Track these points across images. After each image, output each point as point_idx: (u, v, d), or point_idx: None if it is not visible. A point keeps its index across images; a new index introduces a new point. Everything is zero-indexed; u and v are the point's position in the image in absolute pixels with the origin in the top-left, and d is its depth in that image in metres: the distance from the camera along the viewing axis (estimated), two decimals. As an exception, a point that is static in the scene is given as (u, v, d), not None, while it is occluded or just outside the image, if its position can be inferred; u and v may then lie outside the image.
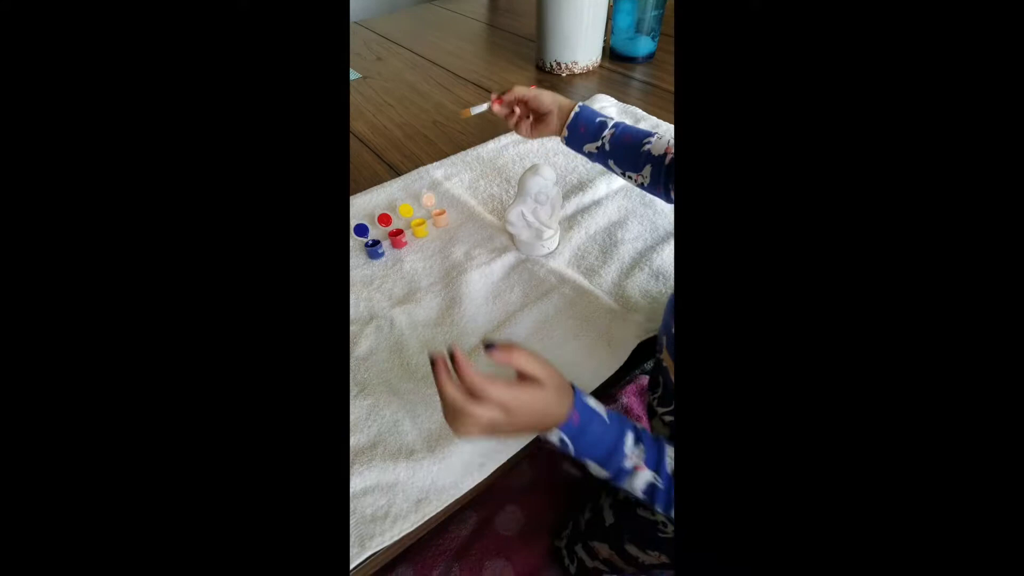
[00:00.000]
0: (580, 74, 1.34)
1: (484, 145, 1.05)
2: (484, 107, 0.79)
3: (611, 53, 1.40)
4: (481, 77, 1.33)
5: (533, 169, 0.75)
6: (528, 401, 0.43)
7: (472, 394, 0.42)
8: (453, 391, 0.43)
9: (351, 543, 0.55)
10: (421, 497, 0.58)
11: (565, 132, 0.75)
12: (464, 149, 1.05)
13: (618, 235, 0.84)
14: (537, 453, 0.62)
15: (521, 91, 0.75)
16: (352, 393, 0.66)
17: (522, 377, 0.44)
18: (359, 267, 0.81)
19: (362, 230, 0.84)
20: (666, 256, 0.80)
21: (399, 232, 0.84)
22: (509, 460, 0.61)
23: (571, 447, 0.46)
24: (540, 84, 1.26)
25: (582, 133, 0.75)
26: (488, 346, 0.44)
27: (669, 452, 0.45)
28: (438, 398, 0.59)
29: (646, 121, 1.10)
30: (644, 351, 0.69)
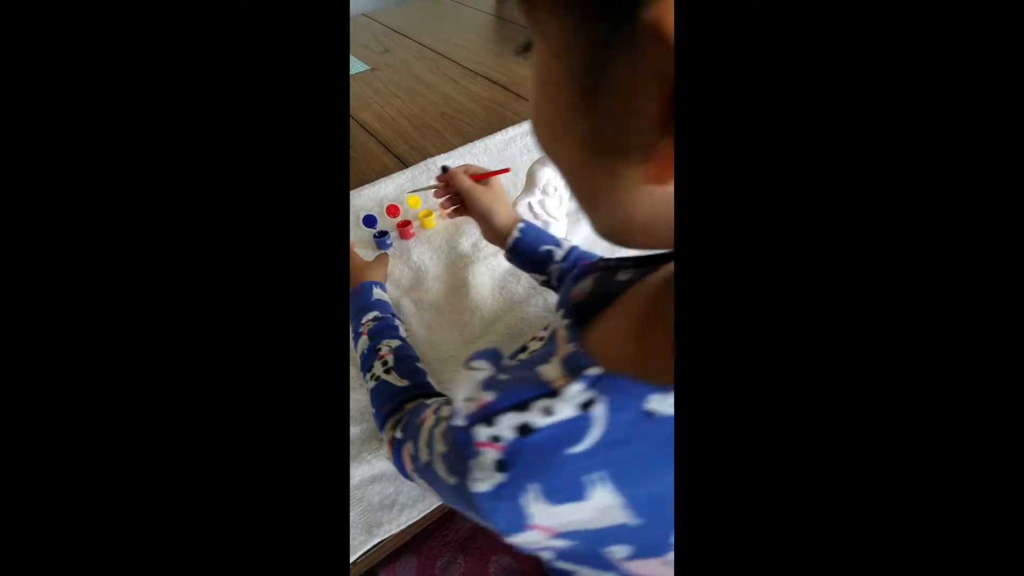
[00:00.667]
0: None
1: (492, 137, 1.05)
2: (430, 189, 0.75)
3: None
4: (489, 69, 1.33)
5: (541, 160, 0.74)
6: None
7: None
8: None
9: (359, 531, 0.56)
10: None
11: (507, 254, 0.68)
12: (472, 141, 1.05)
13: (625, 227, 0.84)
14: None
15: (462, 183, 0.68)
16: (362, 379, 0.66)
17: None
18: (367, 257, 0.81)
19: (370, 221, 0.85)
20: (673, 249, 0.79)
21: (407, 223, 0.84)
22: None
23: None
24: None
25: (525, 262, 0.66)
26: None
27: None
28: (447, 384, 0.60)
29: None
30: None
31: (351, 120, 1.15)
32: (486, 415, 0.26)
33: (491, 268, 0.78)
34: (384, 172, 0.98)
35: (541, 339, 0.32)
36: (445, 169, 0.72)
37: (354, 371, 0.65)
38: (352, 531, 0.56)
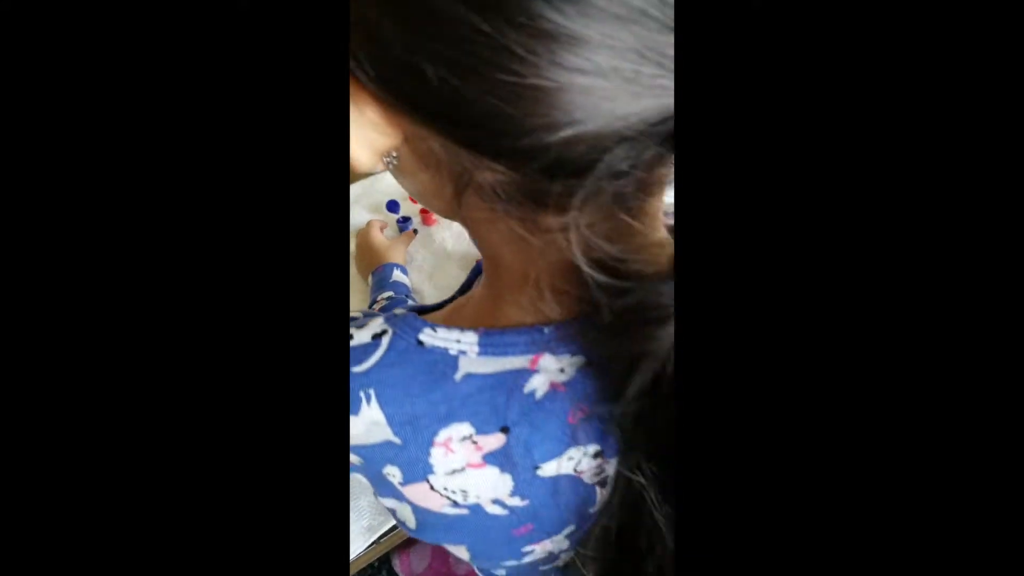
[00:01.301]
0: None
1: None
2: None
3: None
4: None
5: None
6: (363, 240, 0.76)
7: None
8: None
9: (379, 511, 0.56)
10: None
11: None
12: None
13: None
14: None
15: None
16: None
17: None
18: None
19: (393, 206, 0.85)
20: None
21: (427, 214, 0.84)
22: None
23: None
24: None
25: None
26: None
27: None
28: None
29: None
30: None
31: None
32: (388, 275, 0.35)
33: (514, 255, 0.78)
34: (407, 159, 0.98)
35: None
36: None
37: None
38: (372, 513, 0.56)
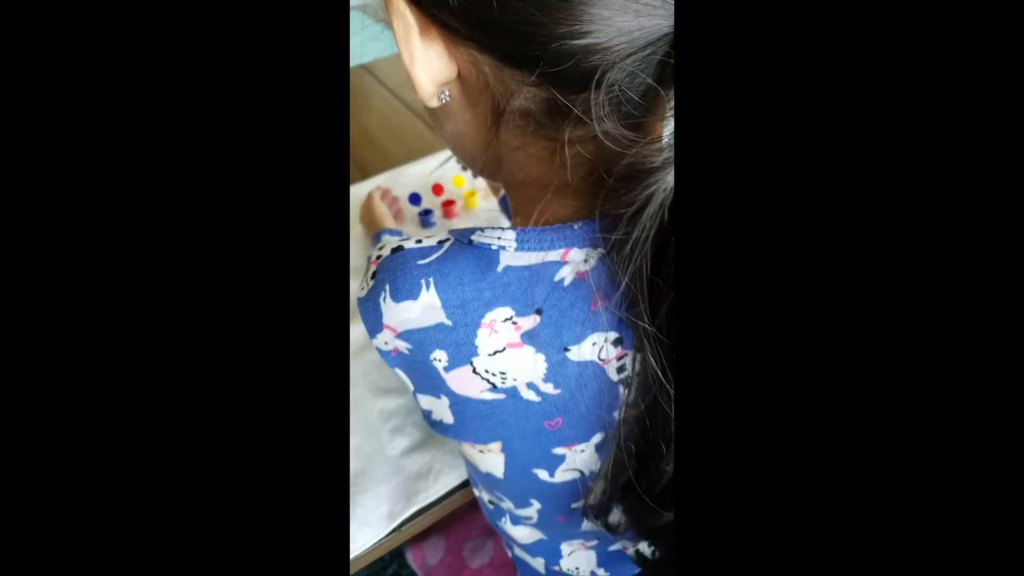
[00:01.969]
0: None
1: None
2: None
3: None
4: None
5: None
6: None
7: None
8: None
9: (398, 499, 0.56)
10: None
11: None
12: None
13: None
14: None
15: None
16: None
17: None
18: (416, 234, 0.82)
19: (415, 199, 0.85)
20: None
21: (451, 203, 0.84)
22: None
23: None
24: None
25: None
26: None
27: None
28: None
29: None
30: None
31: (397, 99, 1.15)
32: (378, 238, 0.37)
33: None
34: (429, 150, 0.98)
35: None
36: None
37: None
38: (392, 499, 0.56)
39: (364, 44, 1.04)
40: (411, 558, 0.90)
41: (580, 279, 0.32)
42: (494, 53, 0.29)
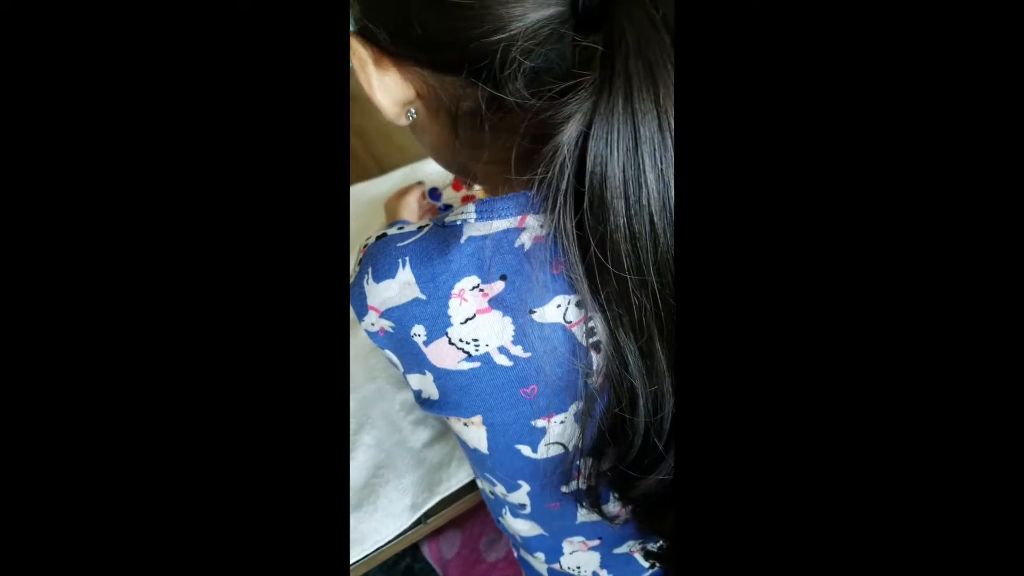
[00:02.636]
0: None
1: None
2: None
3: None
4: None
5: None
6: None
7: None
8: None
9: (422, 489, 0.56)
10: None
11: None
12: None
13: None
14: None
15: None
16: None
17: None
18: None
19: (434, 194, 0.85)
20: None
21: (470, 198, 0.84)
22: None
23: None
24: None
25: None
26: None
27: None
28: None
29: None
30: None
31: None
32: (370, 235, 0.38)
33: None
34: (447, 148, 0.99)
35: None
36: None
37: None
38: (416, 490, 0.56)
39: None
40: (427, 551, 0.91)
41: (539, 243, 0.34)
42: (433, 66, 0.34)
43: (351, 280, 0.38)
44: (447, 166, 0.44)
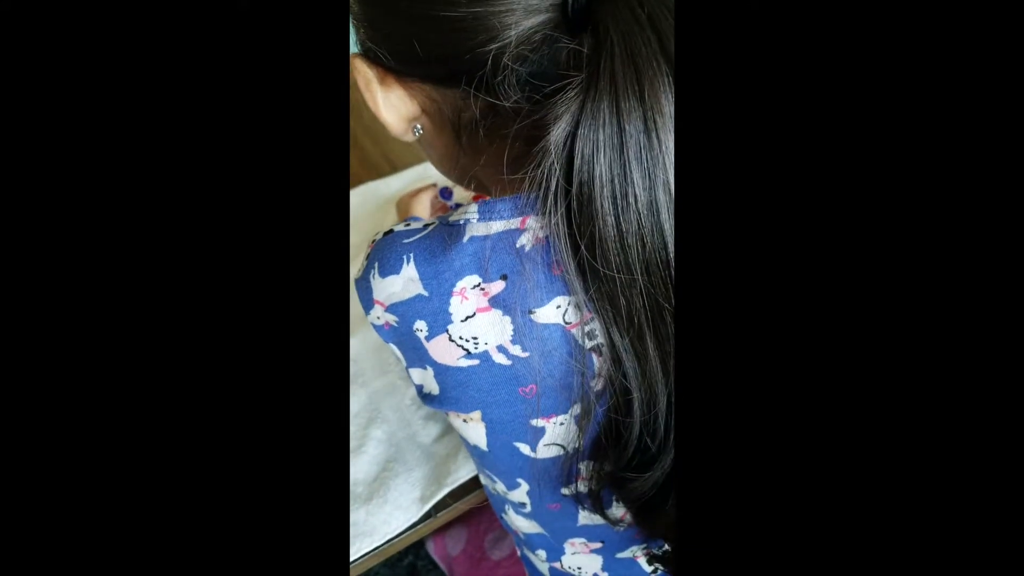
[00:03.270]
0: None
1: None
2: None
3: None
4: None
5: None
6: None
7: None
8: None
9: (430, 482, 0.57)
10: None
11: None
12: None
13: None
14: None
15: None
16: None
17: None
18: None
19: (446, 194, 0.86)
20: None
21: (482, 197, 0.85)
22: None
23: None
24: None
25: None
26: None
27: None
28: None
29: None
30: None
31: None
32: (379, 230, 0.39)
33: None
34: (459, 149, 1.00)
35: None
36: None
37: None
38: (425, 484, 0.57)
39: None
40: (432, 548, 0.91)
41: (539, 245, 0.34)
42: (434, 80, 0.35)
43: (360, 274, 0.39)
44: (454, 178, 0.45)
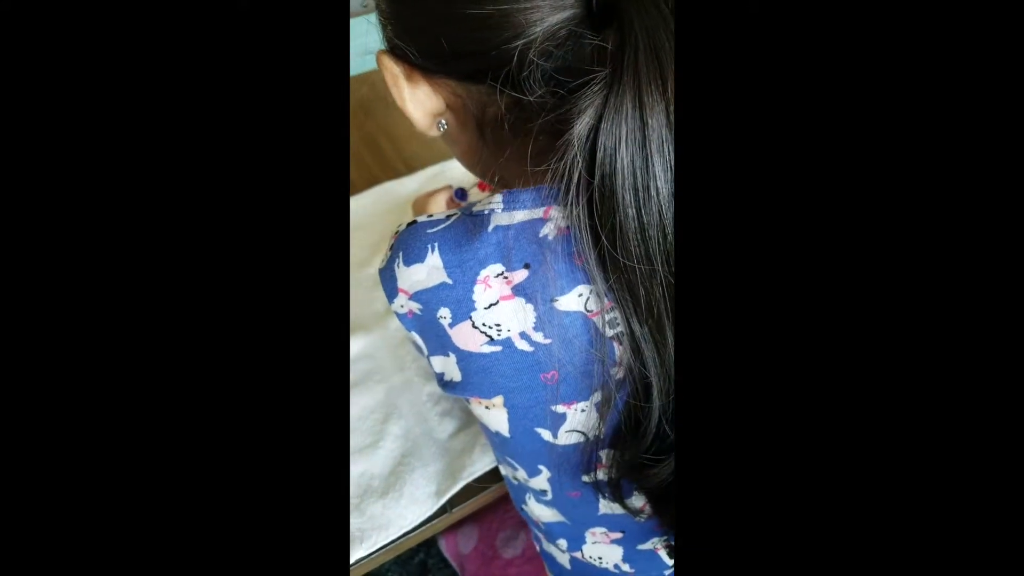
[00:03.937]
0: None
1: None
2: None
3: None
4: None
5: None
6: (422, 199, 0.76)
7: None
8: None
9: (445, 477, 0.57)
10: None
11: None
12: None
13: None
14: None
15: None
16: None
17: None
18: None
19: (461, 194, 0.87)
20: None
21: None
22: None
23: None
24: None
25: None
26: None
27: None
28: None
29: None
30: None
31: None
32: (401, 223, 0.40)
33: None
34: (474, 150, 1.01)
35: None
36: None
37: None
38: (440, 479, 0.57)
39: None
40: (444, 546, 0.92)
41: (561, 234, 0.35)
42: (459, 76, 0.36)
43: (384, 264, 0.40)
44: (478, 174, 0.46)
